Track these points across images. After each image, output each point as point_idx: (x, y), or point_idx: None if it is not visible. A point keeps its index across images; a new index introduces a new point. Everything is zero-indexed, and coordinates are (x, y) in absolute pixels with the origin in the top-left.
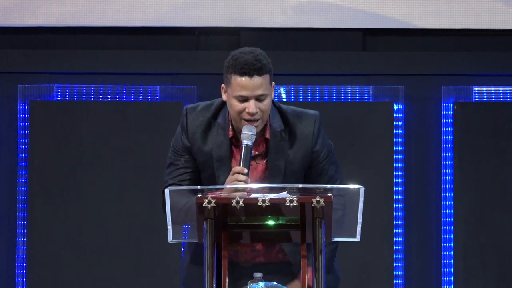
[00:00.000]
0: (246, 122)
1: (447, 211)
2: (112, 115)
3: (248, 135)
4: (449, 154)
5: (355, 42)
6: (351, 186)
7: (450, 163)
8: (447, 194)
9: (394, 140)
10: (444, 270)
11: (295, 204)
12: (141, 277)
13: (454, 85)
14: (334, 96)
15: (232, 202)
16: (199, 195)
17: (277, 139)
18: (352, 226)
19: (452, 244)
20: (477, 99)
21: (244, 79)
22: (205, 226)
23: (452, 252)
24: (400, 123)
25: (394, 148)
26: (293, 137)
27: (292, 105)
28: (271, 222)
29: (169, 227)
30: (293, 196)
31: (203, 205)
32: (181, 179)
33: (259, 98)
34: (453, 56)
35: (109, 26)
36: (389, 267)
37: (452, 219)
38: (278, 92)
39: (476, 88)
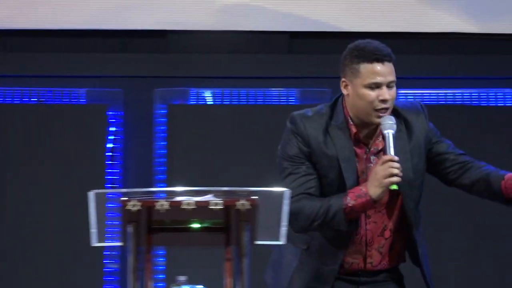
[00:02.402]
0: (376, 113)
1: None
2: (37, 118)
3: (390, 124)
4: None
5: (281, 45)
6: (276, 189)
7: None
8: None
9: None
10: None
11: (220, 207)
12: (70, 278)
13: None
14: (260, 99)
15: (156, 205)
16: (124, 198)
17: (395, 130)
18: (276, 228)
19: None
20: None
21: (377, 65)
22: (130, 229)
23: None
24: None
25: None
26: (409, 125)
27: (229, 108)
28: (196, 225)
29: (93, 230)
30: (218, 199)
31: (127, 208)
32: (308, 186)
33: (390, 85)
34: None
35: (35, 29)
36: None
37: None
38: (204, 95)
39: (401, 91)
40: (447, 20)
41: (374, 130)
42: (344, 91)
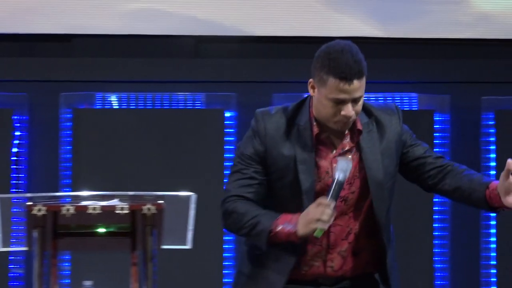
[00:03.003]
0: (337, 125)
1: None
2: None
3: (342, 167)
4: None
5: (187, 49)
6: (182, 193)
7: None
8: None
9: (225, 147)
10: None
11: (126, 212)
12: None
13: (285, 92)
14: (166, 103)
15: (61, 210)
16: (29, 203)
17: (366, 130)
18: (183, 233)
19: None
20: None
21: (343, 84)
22: (35, 234)
23: None
24: (231, 130)
25: (225, 155)
26: (380, 125)
27: (134, 112)
28: (102, 230)
29: None
30: (124, 203)
31: (32, 213)
32: (247, 190)
33: (355, 100)
34: (284, 63)
35: None
36: (219, 275)
37: None
38: (110, 99)
39: (306, 95)
40: (352, 25)
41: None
42: (311, 91)
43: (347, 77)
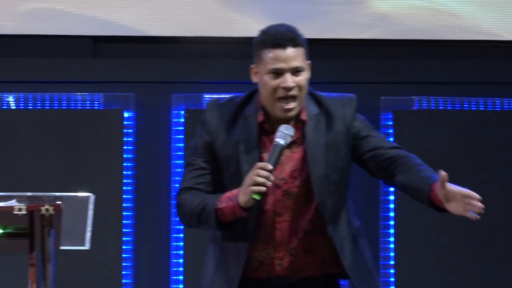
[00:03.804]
0: (280, 103)
1: (176, 218)
2: None
3: (283, 133)
4: (180, 161)
5: (85, 49)
6: (80, 194)
7: (181, 170)
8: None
9: (124, 147)
10: (172, 278)
11: (24, 212)
12: None
13: (185, 92)
14: (64, 103)
15: None
16: None
17: (313, 121)
18: (81, 234)
19: (182, 252)
20: None
21: (277, 51)
22: None
23: (181, 260)
24: (130, 130)
25: (124, 155)
26: (330, 117)
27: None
28: None
29: None
30: (22, 204)
31: None
32: (198, 181)
33: (295, 71)
34: (183, 63)
35: None
36: (118, 275)
37: (182, 227)
38: (7, 100)
39: (206, 96)
40: (250, 25)
41: (289, 118)
42: (253, 79)
43: (280, 44)
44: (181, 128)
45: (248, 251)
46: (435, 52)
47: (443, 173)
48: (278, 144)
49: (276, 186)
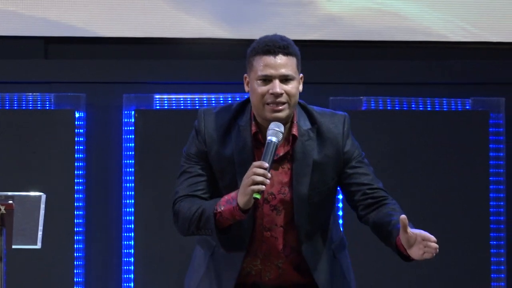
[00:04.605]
0: (269, 107)
1: (127, 217)
2: None
3: (274, 131)
4: (131, 161)
5: (36, 50)
6: (32, 193)
7: (132, 170)
8: (127, 201)
9: (76, 147)
10: (123, 276)
11: None
12: None
13: (135, 93)
14: (15, 104)
15: None
16: None
17: (304, 138)
18: (33, 233)
19: (132, 251)
20: (158, 107)
21: (267, 58)
22: None
23: (132, 259)
24: (81, 130)
25: (76, 155)
26: (321, 136)
27: None
28: None
29: None
30: None
31: None
32: (195, 188)
33: (284, 79)
34: (134, 64)
35: None
36: (69, 274)
37: (133, 225)
38: None
39: (157, 96)
40: (200, 26)
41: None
42: (246, 88)
43: (271, 50)
44: (131, 128)
45: (241, 263)
46: (383, 53)
47: (402, 217)
48: (271, 142)
49: (265, 200)
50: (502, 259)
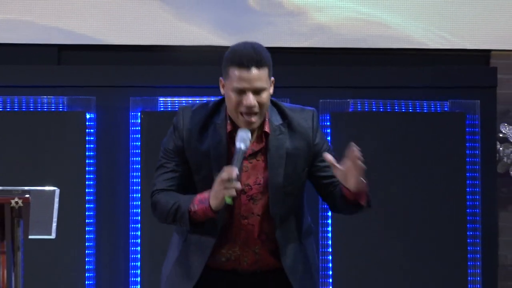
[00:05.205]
0: (243, 117)
1: (134, 210)
2: None
3: (242, 138)
4: (137, 158)
5: (50, 56)
6: (47, 188)
7: (138, 167)
8: (134, 195)
9: (86, 146)
10: (131, 264)
11: None
12: None
13: (141, 96)
14: (31, 106)
15: None
16: None
17: (276, 133)
18: (48, 224)
19: (139, 240)
20: (162, 109)
21: (242, 71)
22: None
23: (139, 248)
24: (92, 130)
25: (86, 153)
26: (292, 130)
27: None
28: None
29: None
30: None
31: None
32: (169, 184)
33: (257, 91)
34: (140, 69)
35: None
36: (82, 261)
37: (139, 217)
38: None
39: (161, 99)
40: (199, 34)
41: (253, 130)
42: (222, 90)
43: (244, 64)
44: (137, 128)
45: (212, 249)
46: (368, 59)
47: (328, 156)
48: (240, 149)
49: (242, 191)
50: (478, 248)
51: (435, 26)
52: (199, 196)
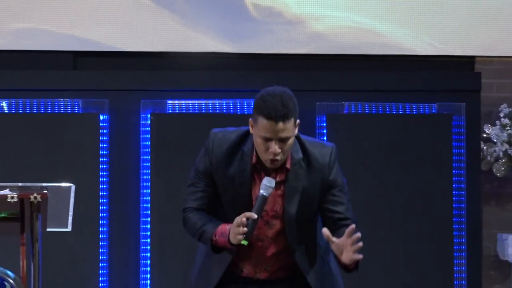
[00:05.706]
0: (268, 161)
1: (144, 205)
2: None
3: (266, 186)
4: (147, 157)
5: (66, 62)
6: (63, 184)
7: (148, 165)
8: (145, 191)
9: (100, 145)
10: (142, 255)
11: (15, 200)
12: None
13: (151, 98)
14: (49, 108)
15: None
16: None
17: (296, 167)
18: (64, 218)
19: (149, 233)
20: (170, 111)
21: (269, 124)
22: None
23: (149, 240)
24: (105, 131)
25: (100, 152)
26: (310, 166)
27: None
28: None
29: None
30: (14, 193)
31: None
32: (201, 203)
33: (282, 140)
34: (150, 74)
35: None
36: (96, 253)
37: (149, 212)
38: (1, 105)
39: (169, 101)
40: (205, 42)
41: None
42: (250, 129)
43: (272, 118)
44: (148, 129)
45: (230, 262)
46: (362, 65)
47: (324, 230)
48: (262, 196)
49: (259, 217)
50: (463, 240)
51: (424, 34)
52: (221, 228)
